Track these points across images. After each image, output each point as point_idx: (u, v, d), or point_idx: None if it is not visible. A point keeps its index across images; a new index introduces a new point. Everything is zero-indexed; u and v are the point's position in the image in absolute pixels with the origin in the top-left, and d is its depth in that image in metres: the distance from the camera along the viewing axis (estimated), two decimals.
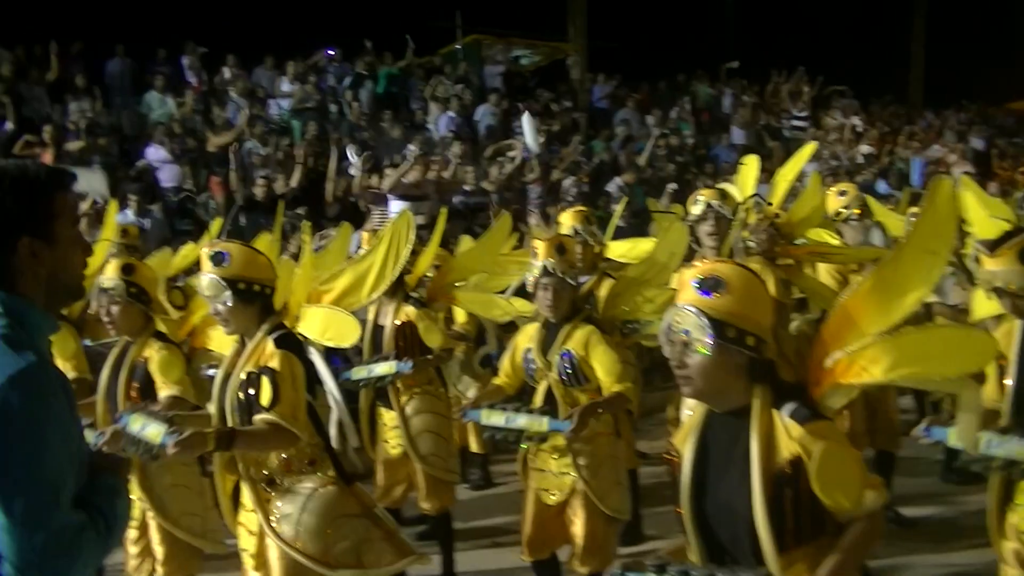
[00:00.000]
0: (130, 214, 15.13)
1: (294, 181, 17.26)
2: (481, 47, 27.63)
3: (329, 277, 6.54)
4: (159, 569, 6.89)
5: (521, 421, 6.66)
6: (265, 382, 5.49)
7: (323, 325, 6.13)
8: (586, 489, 6.83)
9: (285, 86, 21.84)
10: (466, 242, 11.16)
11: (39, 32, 20.23)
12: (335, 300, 6.46)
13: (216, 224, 9.99)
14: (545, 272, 6.83)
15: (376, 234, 8.04)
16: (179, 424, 5.59)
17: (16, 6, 21.67)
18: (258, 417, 5.49)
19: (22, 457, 3.02)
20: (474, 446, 10.66)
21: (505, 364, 7.26)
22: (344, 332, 6.15)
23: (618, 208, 12.45)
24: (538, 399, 6.98)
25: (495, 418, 6.81)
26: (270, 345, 5.60)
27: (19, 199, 3.24)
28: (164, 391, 6.76)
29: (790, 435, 3.80)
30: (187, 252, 9.28)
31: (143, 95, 20.64)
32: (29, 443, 3.02)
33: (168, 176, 18.10)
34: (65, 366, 7.61)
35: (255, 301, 5.71)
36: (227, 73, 21.67)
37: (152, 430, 5.67)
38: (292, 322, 6.19)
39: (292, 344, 5.70)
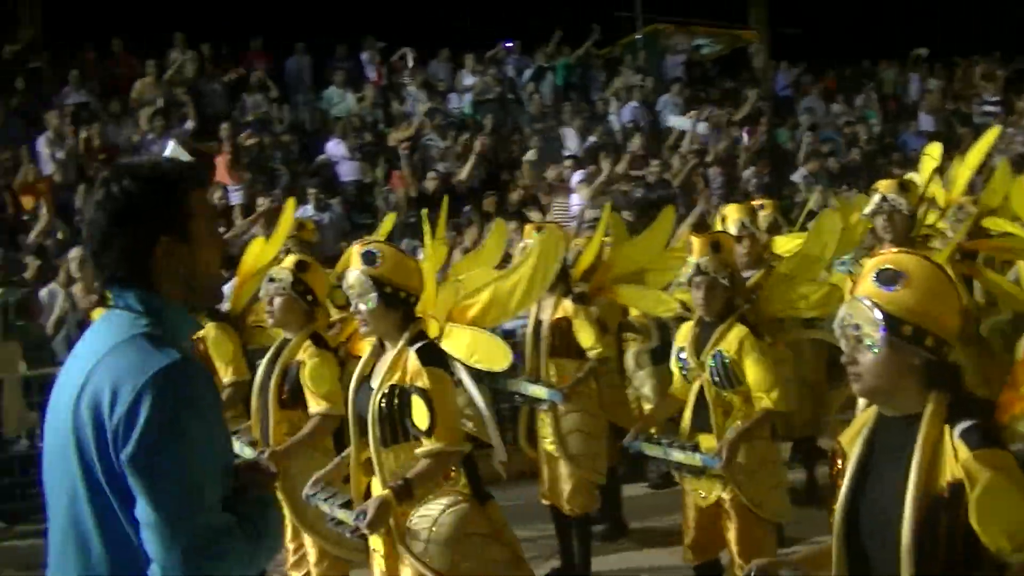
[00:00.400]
0: (310, 209, 15.23)
1: (465, 173, 17.20)
2: (661, 36, 27.27)
3: (471, 292, 6.26)
4: (312, 571, 6.83)
5: (677, 456, 6.65)
6: (419, 404, 5.31)
7: (471, 347, 5.85)
8: (740, 494, 6.61)
9: (467, 79, 21.88)
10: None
11: (220, 31, 20.56)
12: (477, 316, 6.13)
13: (389, 220, 9.85)
14: (698, 270, 6.69)
15: (538, 232, 7.79)
16: (355, 500, 5.55)
17: (198, 6, 22.04)
18: (420, 451, 5.36)
19: (167, 455, 2.97)
20: None
21: (673, 368, 7.06)
22: (494, 356, 5.88)
23: (810, 199, 12.12)
24: (690, 399, 6.84)
25: (654, 451, 6.82)
26: (414, 359, 5.40)
27: (155, 198, 3.21)
28: (312, 405, 6.71)
29: (956, 456, 3.43)
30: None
31: (323, 91, 20.83)
32: (174, 441, 2.98)
33: (348, 171, 18.25)
34: (225, 368, 7.61)
35: (399, 307, 5.53)
36: (406, 67, 21.74)
37: (341, 513, 5.59)
38: (435, 335, 5.94)
39: (436, 358, 5.51)
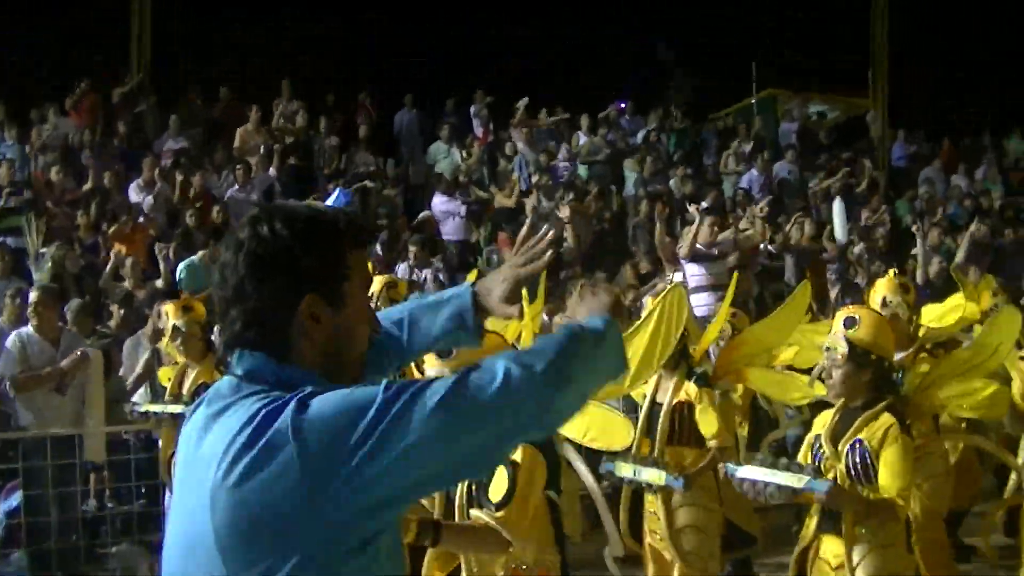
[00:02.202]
0: (407, 266, 14.69)
1: (572, 238, 16.56)
2: (777, 102, 26.66)
3: None
4: None
5: (781, 478, 5.67)
6: (502, 474, 4.65)
7: (586, 423, 4.96)
8: None
9: (580, 139, 21.41)
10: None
11: (328, 81, 20.39)
12: None
13: (472, 278, 9.17)
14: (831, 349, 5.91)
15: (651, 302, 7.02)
16: None
17: (307, 55, 21.87)
18: (478, 514, 4.70)
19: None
20: None
21: (804, 459, 6.12)
22: (613, 433, 4.97)
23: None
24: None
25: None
26: None
27: (310, 248, 2.67)
28: None
29: None
30: None
31: (429, 145, 20.56)
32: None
33: (451, 229, 17.80)
34: None
35: None
36: (512, 127, 21.33)
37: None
38: None
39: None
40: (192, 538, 2.53)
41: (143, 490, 10.15)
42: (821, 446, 6.00)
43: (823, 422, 6.13)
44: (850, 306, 6.56)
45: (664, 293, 5.54)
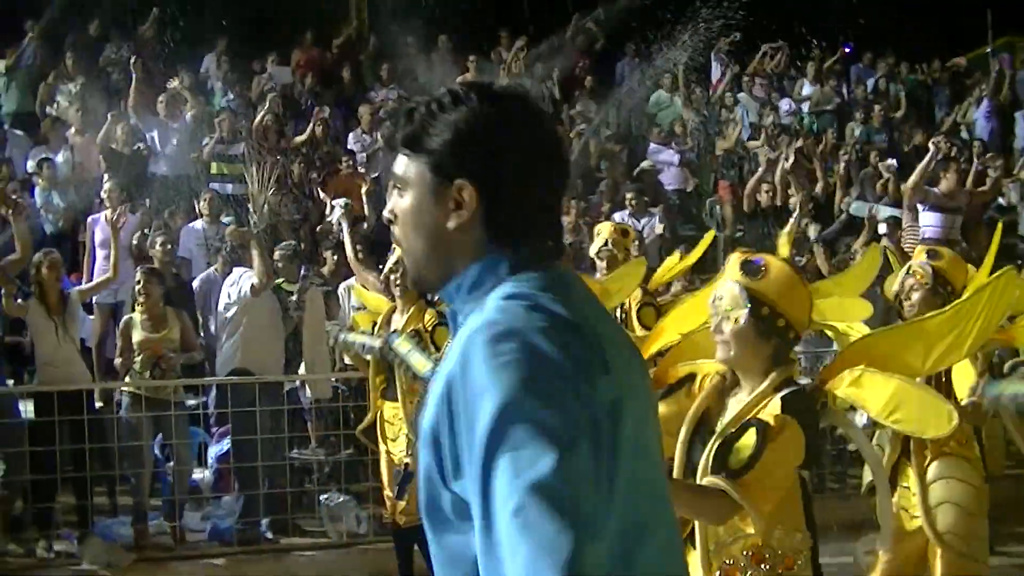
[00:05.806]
0: (625, 216, 14.30)
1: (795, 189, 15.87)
2: (1016, 49, 25.41)
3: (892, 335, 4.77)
4: None
5: None
6: (750, 438, 4.07)
7: (895, 400, 4.35)
8: None
9: (806, 88, 20.83)
10: None
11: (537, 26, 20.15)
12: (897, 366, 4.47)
13: (708, 237, 8.65)
14: None
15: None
16: None
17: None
18: (709, 479, 4.09)
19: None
20: None
21: None
22: (930, 419, 4.30)
23: None
24: None
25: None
26: (776, 407, 4.17)
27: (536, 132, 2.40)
28: None
29: None
30: (670, 265, 8.11)
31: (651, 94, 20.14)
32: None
33: (671, 178, 17.38)
34: None
35: (772, 337, 4.29)
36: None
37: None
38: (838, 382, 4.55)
39: (802, 408, 4.23)
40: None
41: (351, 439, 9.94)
42: None
43: None
44: None
45: (999, 273, 4.75)
